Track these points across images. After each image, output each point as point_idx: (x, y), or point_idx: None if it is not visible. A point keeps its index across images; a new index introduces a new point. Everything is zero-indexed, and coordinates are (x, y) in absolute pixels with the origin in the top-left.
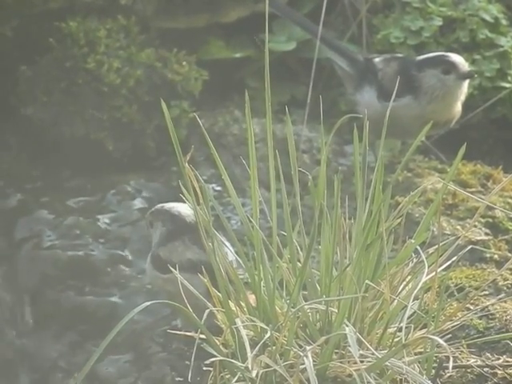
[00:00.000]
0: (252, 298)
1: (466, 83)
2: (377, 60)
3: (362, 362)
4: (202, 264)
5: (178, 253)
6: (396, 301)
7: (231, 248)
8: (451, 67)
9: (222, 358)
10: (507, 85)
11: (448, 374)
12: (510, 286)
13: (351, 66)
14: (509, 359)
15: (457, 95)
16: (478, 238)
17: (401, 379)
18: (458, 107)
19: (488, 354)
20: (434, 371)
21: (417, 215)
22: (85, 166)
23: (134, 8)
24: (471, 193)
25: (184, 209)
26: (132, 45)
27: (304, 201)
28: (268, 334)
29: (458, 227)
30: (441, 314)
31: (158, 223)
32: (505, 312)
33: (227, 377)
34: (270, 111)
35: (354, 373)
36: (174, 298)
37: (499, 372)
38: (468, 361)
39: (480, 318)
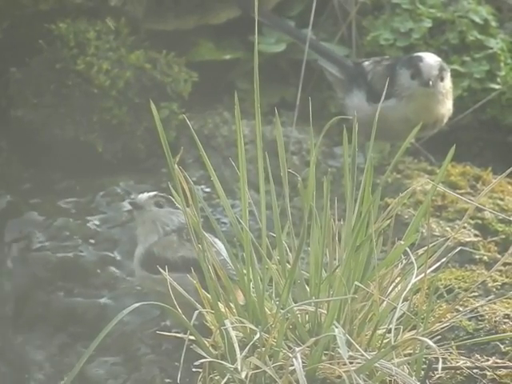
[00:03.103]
0: (240, 296)
1: (441, 87)
2: (366, 63)
3: (351, 363)
4: (196, 262)
5: (172, 249)
6: (385, 302)
7: (222, 247)
8: (417, 73)
9: (211, 359)
10: (496, 86)
11: (437, 376)
12: (499, 287)
13: (341, 71)
14: (498, 360)
15: (428, 99)
16: (468, 239)
17: (390, 380)
18: (445, 108)
19: (477, 356)
20: (423, 372)
21: (406, 217)
22: (75, 168)
23: (123, 10)
24: (460, 194)
25: None
26: (122, 46)
27: (293, 202)
28: (257, 336)
29: (448, 229)
30: (430, 315)
31: (177, 211)
32: (494, 313)
33: (216, 378)
34: (260, 113)
35: (343, 374)
36: (165, 297)
37: (488, 373)
38: (457, 362)
39: (469, 319)
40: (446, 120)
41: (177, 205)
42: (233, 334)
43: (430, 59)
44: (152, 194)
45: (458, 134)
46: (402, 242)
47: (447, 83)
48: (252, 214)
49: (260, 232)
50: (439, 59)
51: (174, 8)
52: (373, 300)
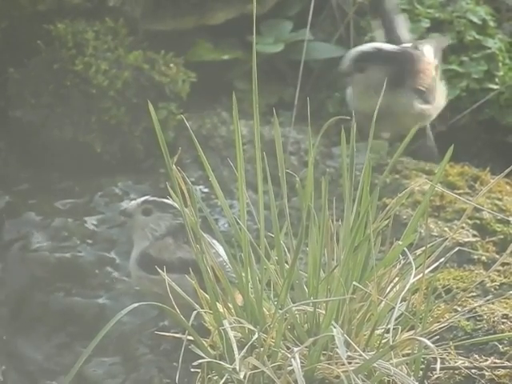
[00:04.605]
0: (238, 297)
1: (357, 77)
2: None
3: (349, 363)
4: (194, 263)
5: (169, 251)
6: (384, 302)
7: (221, 248)
8: None
9: (209, 359)
10: (495, 86)
11: (435, 376)
12: (497, 287)
13: None
14: (497, 361)
15: (361, 86)
16: (466, 239)
17: (388, 381)
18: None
19: (476, 356)
20: (421, 373)
21: (404, 217)
22: (73, 168)
23: (121, 10)
24: (459, 194)
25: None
26: (120, 47)
27: (291, 203)
28: (256, 336)
29: (446, 229)
30: (428, 315)
31: (166, 215)
32: (492, 313)
33: (215, 378)
34: (258, 113)
35: (341, 374)
36: (163, 298)
37: (487, 373)
38: (456, 362)
39: (468, 319)
40: (422, 117)
41: (166, 207)
42: (231, 334)
43: (355, 48)
44: (140, 200)
45: (456, 134)
46: (401, 243)
47: (375, 75)
48: (250, 215)
49: (258, 232)
50: (371, 47)
51: (172, 8)
52: (371, 300)
